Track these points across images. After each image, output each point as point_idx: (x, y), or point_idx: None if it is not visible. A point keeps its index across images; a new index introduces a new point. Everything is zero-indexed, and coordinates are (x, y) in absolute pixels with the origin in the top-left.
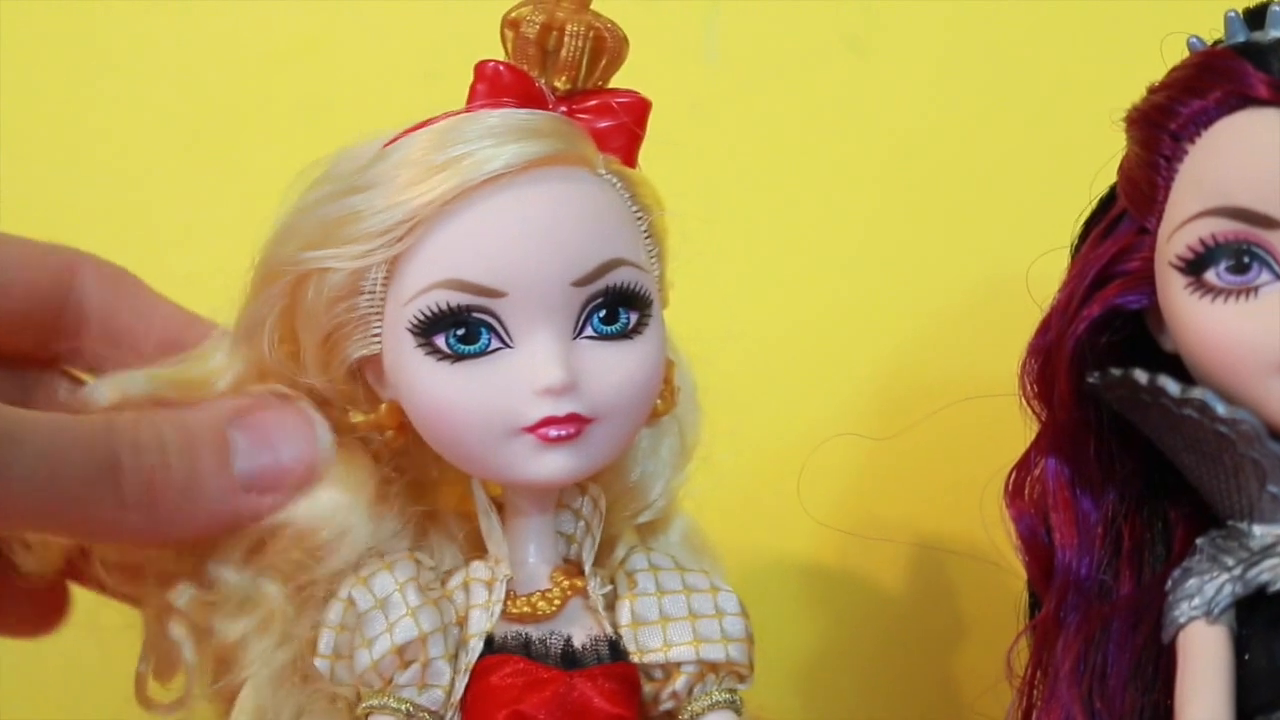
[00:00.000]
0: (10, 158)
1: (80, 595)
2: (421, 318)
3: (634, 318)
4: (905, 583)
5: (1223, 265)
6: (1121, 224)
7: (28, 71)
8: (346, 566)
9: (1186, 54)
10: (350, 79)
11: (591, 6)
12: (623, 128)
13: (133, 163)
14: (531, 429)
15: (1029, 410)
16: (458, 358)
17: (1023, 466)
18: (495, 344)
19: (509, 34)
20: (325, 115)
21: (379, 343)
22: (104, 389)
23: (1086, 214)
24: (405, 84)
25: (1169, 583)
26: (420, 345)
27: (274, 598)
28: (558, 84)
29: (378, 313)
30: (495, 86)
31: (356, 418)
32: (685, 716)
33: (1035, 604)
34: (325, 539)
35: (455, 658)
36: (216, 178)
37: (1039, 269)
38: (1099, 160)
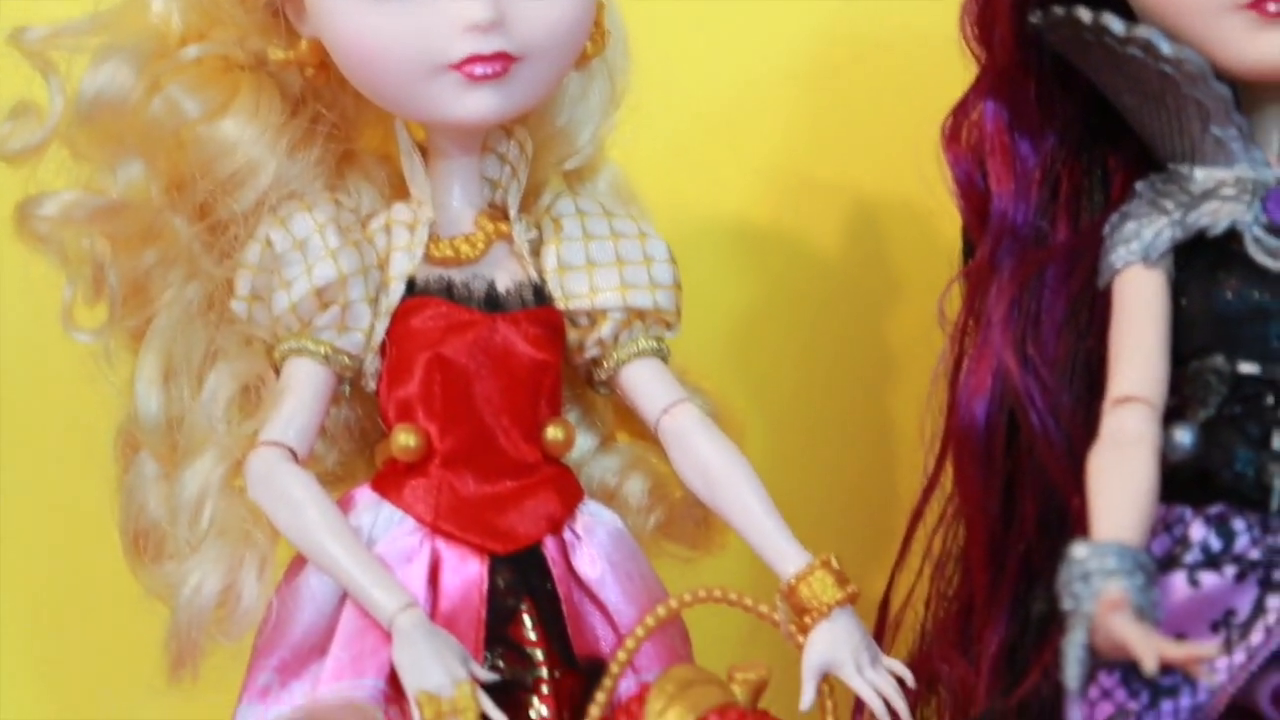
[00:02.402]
0: None
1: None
2: None
3: None
4: (838, 234)
5: None
6: None
7: None
8: (258, 205)
9: None
10: None
11: None
12: None
13: None
14: (456, 66)
15: (969, 53)
16: None
17: (960, 110)
18: None
19: None
20: None
21: None
22: None
23: None
24: None
25: (1106, 227)
26: None
27: (180, 230)
28: None
29: None
30: None
31: (275, 55)
32: (610, 364)
33: (970, 251)
34: (231, 171)
35: (376, 301)
36: None
37: None
38: None
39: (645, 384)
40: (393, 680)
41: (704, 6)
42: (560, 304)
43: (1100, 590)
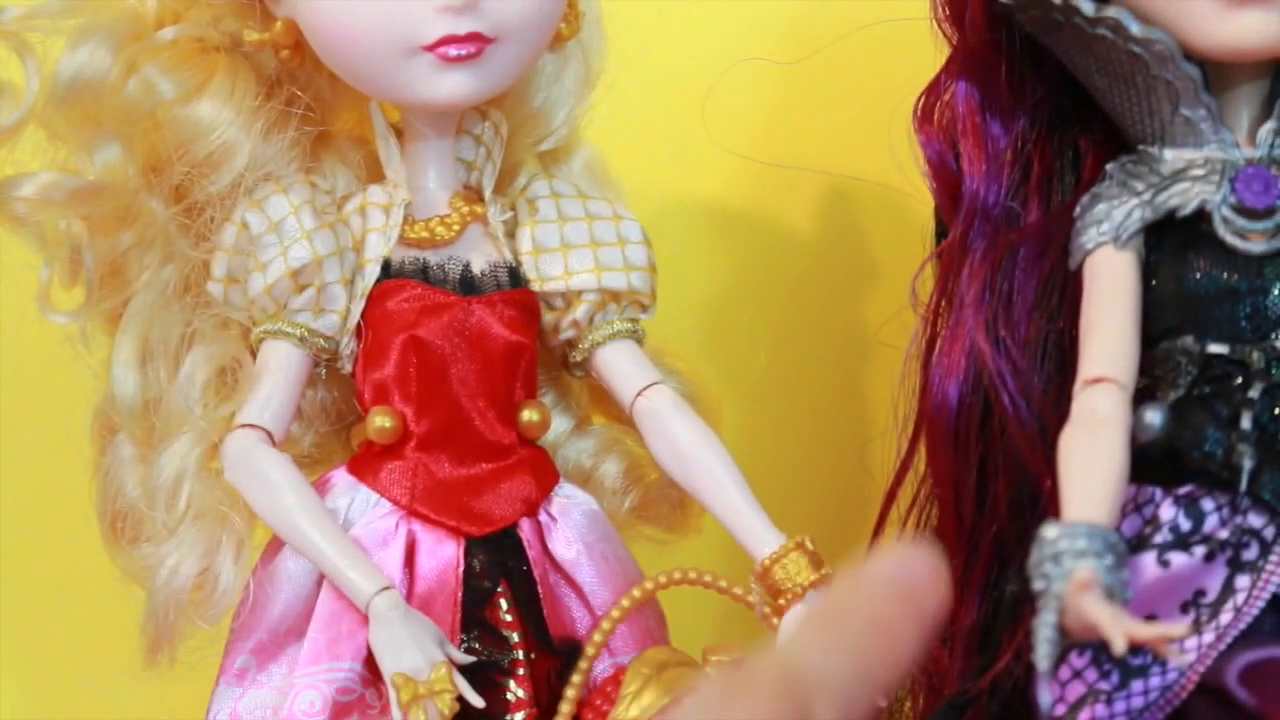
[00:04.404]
0: None
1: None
2: None
3: None
4: (811, 213)
5: None
6: None
7: None
8: (234, 187)
9: None
10: None
11: None
12: None
13: None
14: (431, 48)
15: (940, 33)
16: None
17: (933, 91)
18: None
19: None
20: None
21: None
22: None
23: None
24: None
25: (1078, 209)
26: None
27: (156, 212)
28: None
29: None
30: None
31: (251, 36)
32: (586, 345)
33: (942, 232)
34: (208, 153)
35: (351, 283)
36: None
37: None
38: None
39: (620, 366)
40: (369, 663)
41: None
42: (535, 286)
43: (1070, 571)
